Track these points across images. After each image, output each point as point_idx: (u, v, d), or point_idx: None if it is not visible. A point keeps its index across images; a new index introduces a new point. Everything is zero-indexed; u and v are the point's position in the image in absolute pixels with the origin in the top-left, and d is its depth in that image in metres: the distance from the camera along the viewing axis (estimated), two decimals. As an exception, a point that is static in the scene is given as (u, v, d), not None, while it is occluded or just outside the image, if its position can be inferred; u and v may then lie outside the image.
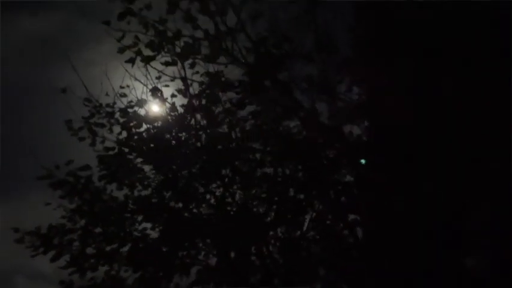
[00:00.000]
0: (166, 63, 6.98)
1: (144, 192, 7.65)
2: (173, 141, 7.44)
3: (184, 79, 7.20)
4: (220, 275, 7.51)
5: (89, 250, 7.73)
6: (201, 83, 7.16)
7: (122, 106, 7.54)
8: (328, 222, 7.18)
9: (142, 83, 7.40)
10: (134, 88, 7.60)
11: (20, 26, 12.00)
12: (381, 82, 5.87)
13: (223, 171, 7.52)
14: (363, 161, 7.01)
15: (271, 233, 7.46)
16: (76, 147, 7.86)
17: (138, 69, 7.47)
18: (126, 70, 7.40)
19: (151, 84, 7.49)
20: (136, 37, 6.94)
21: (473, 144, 5.89)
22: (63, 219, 7.54)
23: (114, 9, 7.23)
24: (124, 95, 7.57)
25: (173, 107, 7.16)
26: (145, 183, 7.66)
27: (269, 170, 7.41)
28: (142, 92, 7.56)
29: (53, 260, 7.53)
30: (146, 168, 7.67)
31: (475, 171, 5.96)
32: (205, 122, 7.22)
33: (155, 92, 7.17)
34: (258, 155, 7.24)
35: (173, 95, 7.41)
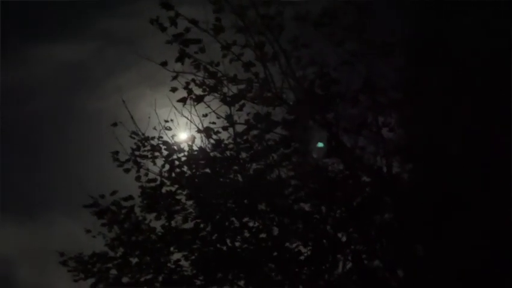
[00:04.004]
0: (227, 102, 7.26)
1: (181, 223, 7.85)
2: (213, 175, 7.69)
3: (229, 117, 7.59)
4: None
5: (125, 279, 7.91)
6: (246, 121, 7.40)
7: (167, 139, 7.89)
8: (366, 262, 7.28)
9: (188, 118, 7.74)
10: (178, 123, 7.98)
11: (52, 53, 12.54)
12: (427, 122, 6.11)
13: (260, 207, 7.74)
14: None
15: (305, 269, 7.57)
16: (111, 174, 8.11)
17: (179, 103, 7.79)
18: (174, 106, 7.73)
19: (191, 118, 7.77)
20: (193, 80, 7.32)
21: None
22: (105, 247, 7.76)
23: (139, 35, 7.64)
24: (169, 129, 7.91)
25: (218, 143, 7.47)
26: (183, 214, 7.89)
27: (306, 207, 7.62)
28: (186, 126, 7.91)
29: (93, 287, 7.70)
30: (184, 198, 7.82)
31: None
32: (248, 157, 7.54)
33: (208, 132, 7.45)
34: (295, 191, 7.44)
35: (217, 132, 7.76)
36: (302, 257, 7.56)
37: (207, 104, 7.43)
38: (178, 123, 7.94)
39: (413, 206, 6.48)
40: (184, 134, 7.98)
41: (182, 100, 7.49)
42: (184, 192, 7.79)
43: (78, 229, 8.29)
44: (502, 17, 5.95)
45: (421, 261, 6.45)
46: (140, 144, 7.93)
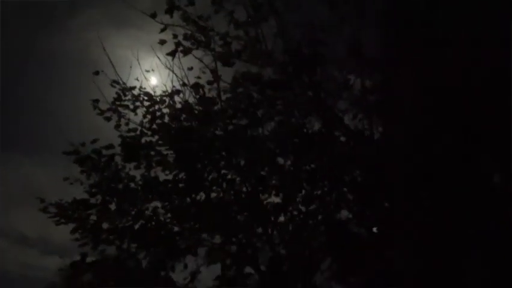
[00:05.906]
0: (219, 58, 7.36)
1: (160, 173, 8.06)
2: (196, 128, 7.87)
3: (214, 72, 7.69)
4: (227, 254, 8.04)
5: (105, 225, 8.10)
6: (234, 78, 7.57)
7: (148, 90, 7.96)
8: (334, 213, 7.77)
9: (171, 70, 7.82)
10: (160, 74, 8.04)
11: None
12: (402, 82, 6.43)
13: (238, 160, 8.03)
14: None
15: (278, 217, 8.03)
16: (94, 122, 8.09)
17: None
18: (158, 57, 7.84)
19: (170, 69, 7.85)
20: (185, 35, 7.37)
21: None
22: (85, 194, 7.88)
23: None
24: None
25: (206, 98, 7.56)
26: (162, 164, 8.06)
27: (282, 161, 7.99)
28: (168, 78, 7.98)
29: (73, 231, 7.84)
30: (163, 149, 8.01)
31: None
32: (232, 113, 7.74)
33: (197, 88, 7.61)
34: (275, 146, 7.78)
35: (199, 85, 7.85)
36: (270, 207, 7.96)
37: (199, 60, 7.51)
38: (160, 74, 8.02)
39: (385, 166, 6.89)
40: (154, 78, 8.07)
41: (171, 53, 7.51)
42: (164, 143, 7.96)
43: (40, 173, 8.28)
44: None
45: (390, 217, 6.95)
46: (122, 94, 7.98)
